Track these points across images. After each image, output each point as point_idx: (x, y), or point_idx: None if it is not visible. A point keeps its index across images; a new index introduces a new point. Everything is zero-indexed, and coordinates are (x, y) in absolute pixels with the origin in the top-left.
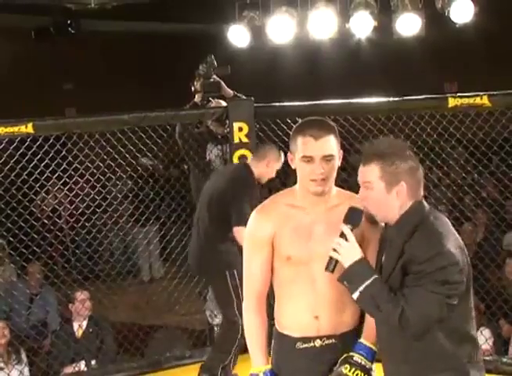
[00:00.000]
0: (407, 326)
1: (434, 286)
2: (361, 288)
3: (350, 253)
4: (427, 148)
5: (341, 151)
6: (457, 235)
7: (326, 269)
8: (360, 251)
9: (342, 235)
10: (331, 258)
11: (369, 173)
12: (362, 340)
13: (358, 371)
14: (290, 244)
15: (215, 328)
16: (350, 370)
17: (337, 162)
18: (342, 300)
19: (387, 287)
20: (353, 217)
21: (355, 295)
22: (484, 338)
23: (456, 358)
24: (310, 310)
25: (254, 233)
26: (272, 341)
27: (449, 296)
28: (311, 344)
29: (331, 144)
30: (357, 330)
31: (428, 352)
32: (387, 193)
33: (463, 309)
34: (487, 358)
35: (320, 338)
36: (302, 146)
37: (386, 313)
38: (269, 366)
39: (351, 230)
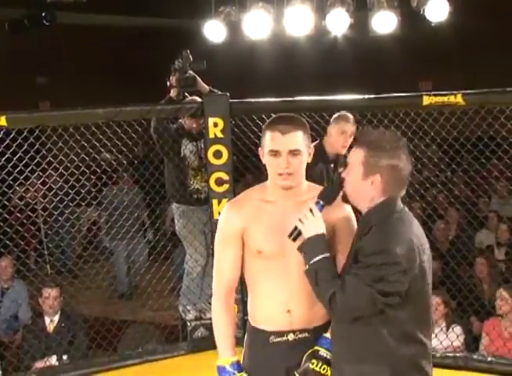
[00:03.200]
0: (334, 309)
1: (370, 280)
2: (310, 261)
3: (312, 226)
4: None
5: (312, 148)
6: (420, 237)
7: (289, 236)
8: (323, 227)
9: (311, 209)
10: (295, 227)
11: (354, 156)
12: (326, 334)
13: (325, 365)
14: (261, 238)
15: (188, 323)
16: (317, 366)
17: (306, 157)
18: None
19: (333, 267)
20: (327, 193)
21: (305, 267)
22: (455, 335)
23: (397, 356)
24: (283, 304)
25: (224, 227)
26: (245, 335)
27: (385, 294)
28: (285, 338)
29: (298, 139)
30: (328, 324)
31: (370, 343)
32: (362, 180)
33: (411, 311)
34: (458, 354)
35: (293, 331)
36: (270, 140)
37: (321, 291)
38: (236, 358)
39: (323, 206)
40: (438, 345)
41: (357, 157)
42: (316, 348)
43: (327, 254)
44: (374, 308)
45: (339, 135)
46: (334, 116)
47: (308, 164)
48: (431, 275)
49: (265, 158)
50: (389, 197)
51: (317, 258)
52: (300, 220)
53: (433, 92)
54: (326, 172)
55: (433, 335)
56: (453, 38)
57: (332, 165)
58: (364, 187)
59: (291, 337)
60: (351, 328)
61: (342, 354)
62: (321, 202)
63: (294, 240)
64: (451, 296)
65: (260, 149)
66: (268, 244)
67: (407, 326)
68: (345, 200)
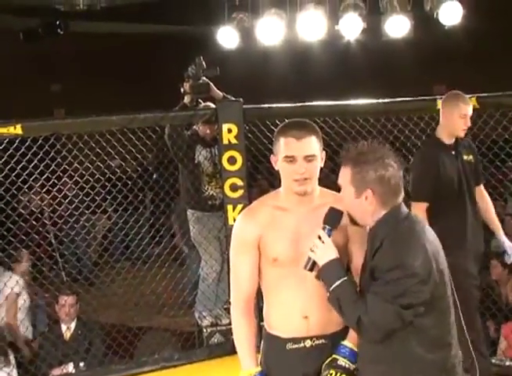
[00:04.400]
0: (363, 331)
1: (391, 296)
2: (330, 289)
3: (324, 253)
4: (416, 150)
5: (324, 152)
6: (433, 241)
7: (305, 267)
8: (334, 253)
9: (319, 236)
10: (309, 257)
11: (342, 177)
12: (344, 342)
13: (344, 375)
14: (276, 245)
15: (204, 330)
16: None
17: (320, 162)
18: None
19: (353, 289)
20: (332, 218)
21: (327, 295)
22: None
23: (428, 363)
24: (299, 310)
25: (240, 236)
26: (262, 342)
27: (408, 307)
28: (302, 344)
29: (313, 144)
30: (346, 330)
31: (399, 355)
32: (356, 198)
33: (435, 316)
34: None
35: (310, 338)
36: (284, 146)
37: (346, 317)
38: (259, 369)
39: (331, 230)
40: None
41: (345, 177)
42: (334, 356)
43: (344, 278)
44: (402, 323)
45: (459, 118)
46: (449, 98)
47: (428, 155)
48: (449, 275)
49: (280, 164)
50: (391, 206)
51: (336, 284)
52: (311, 250)
53: None
54: (450, 161)
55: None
56: (467, 42)
57: (453, 152)
58: (360, 205)
59: (308, 343)
60: (379, 346)
61: (371, 368)
62: (327, 227)
63: (311, 270)
64: None
65: (272, 156)
66: (283, 251)
67: (434, 331)
68: (354, 222)
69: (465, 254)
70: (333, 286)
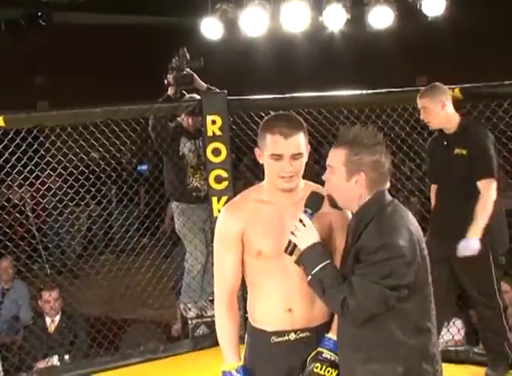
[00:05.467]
0: (347, 314)
1: (378, 277)
2: (312, 272)
3: (306, 237)
4: (399, 141)
5: (309, 146)
6: (416, 227)
7: (285, 250)
8: (316, 236)
9: (300, 220)
10: (290, 241)
11: (335, 157)
12: (328, 334)
13: (329, 368)
14: (260, 238)
15: (189, 322)
16: (321, 369)
17: (306, 158)
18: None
19: (336, 273)
20: (313, 201)
21: (308, 278)
22: (456, 329)
23: (408, 349)
24: (283, 303)
25: (224, 230)
26: (246, 336)
27: (394, 288)
28: (286, 337)
29: (300, 142)
30: (330, 323)
31: (380, 340)
32: (347, 180)
33: (417, 301)
34: (459, 348)
35: (295, 331)
36: (271, 144)
37: (329, 298)
38: (241, 363)
39: (312, 214)
40: (439, 339)
41: (338, 158)
42: (319, 349)
43: (328, 261)
44: (386, 304)
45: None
46: None
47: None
48: (429, 264)
49: (265, 160)
50: (377, 191)
51: (318, 267)
52: (292, 233)
53: None
54: (440, 151)
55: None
56: (450, 33)
57: (445, 143)
58: (349, 187)
59: (293, 336)
60: (360, 329)
61: (353, 355)
62: (309, 211)
63: (291, 254)
64: None
65: (257, 149)
66: (267, 244)
67: (415, 316)
68: (333, 204)
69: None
70: (316, 269)
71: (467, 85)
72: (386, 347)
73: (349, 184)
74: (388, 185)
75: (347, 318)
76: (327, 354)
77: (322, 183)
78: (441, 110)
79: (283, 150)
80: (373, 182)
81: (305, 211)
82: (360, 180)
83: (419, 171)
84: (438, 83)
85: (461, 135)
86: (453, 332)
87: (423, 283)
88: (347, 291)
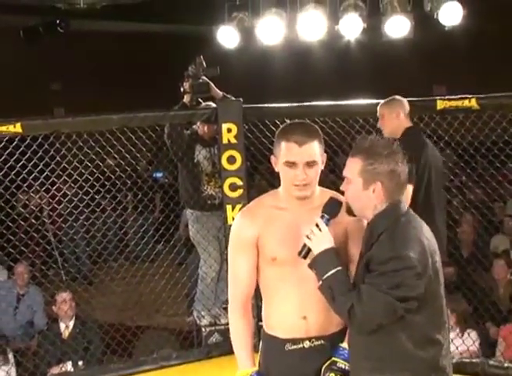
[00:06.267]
0: (354, 321)
1: (386, 287)
2: (323, 277)
3: (320, 241)
4: None
5: (325, 155)
6: (430, 239)
7: (299, 254)
8: (331, 242)
9: (317, 224)
10: (304, 244)
11: (351, 168)
12: (343, 344)
13: None
14: (275, 245)
15: (203, 329)
16: None
17: (321, 166)
18: None
19: (347, 280)
20: (331, 207)
21: (319, 284)
22: (471, 341)
23: (418, 360)
24: (298, 311)
25: (238, 236)
26: (260, 343)
27: (402, 299)
28: (300, 345)
29: (315, 150)
30: (345, 331)
31: (389, 351)
32: (363, 190)
33: (428, 313)
34: (474, 360)
35: (309, 339)
36: (286, 151)
37: (338, 305)
38: (256, 369)
39: (329, 220)
40: (454, 350)
41: (354, 168)
42: (334, 359)
43: (339, 268)
44: (394, 315)
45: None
46: None
47: None
48: (443, 276)
49: (280, 167)
50: (392, 201)
51: (330, 273)
52: (307, 237)
53: (447, 97)
54: None
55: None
56: (467, 42)
57: None
58: (366, 197)
59: (307, 344)
60: (370, 338)
61: (362, 364)
62: (326, 216)
63: (305, 257)
64: (467, 301)
65: (273, 157)
66: (282, 250)
67: (425, 328)
68: (350, 213)
69: None
70: (327, 274)
71: (484, 95)
72: (396, 358)
73: (366, 193)
74: (403, 194)
75: (354, 326)
76: (341, 364)
77: (338, 192)
78: (394, 119)
79: (296, 158)
80: (389, 191)
81: (322, 217)
82: (377, 190)
83: None
84: (397, 96)
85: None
86: (468, 344)
87: (434, 295)
88: (356, 299)
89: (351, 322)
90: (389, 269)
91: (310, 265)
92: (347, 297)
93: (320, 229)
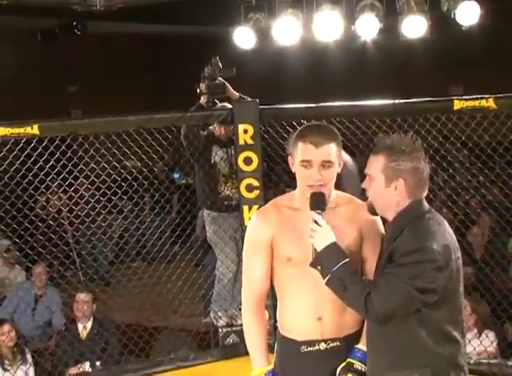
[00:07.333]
0: (371, 309)
1: (406, 277)
2: (333, 269)
3: (322, 237)
4: (432, 151)
5: (342, 157)
6: (453, 236)
7: (313, 255)
8: (332, 235)
9: (315, 222)
10: (312, 245)
11: (374, 165)
12: (358, 345)
13: None
14: (290, 245)
15: (220, 330)
16: None
17: (337, 169)
18: None
19: (356, 271)
20: (318, 202)
21: (326, 279)
22: (489, 341)
23: (437, 356)
24: (313, 312)
25: (253, 237)
26: (276, 344)
27: (421, 290)
28: (316, 347)
29: (331, 151)
30: (360, 333)
31: (409, 346)
32: (386, 187)
33: (447, 310)
34: (492, 361)
35: (325, 341)
36: (302, 151)
37: (352, 296)
38: (271, 367)
39: (321, 214)
40: (472, 351)
41: (376, 165)
42: (350, 360)
43: (347, 260)
44: (411, 306)
45: None
46: None
47: None
48: (462, 276)
49: (296, 168)
50: (415, 198)
51: (338, 266)
52: (310, 236)
53: (464, 97)
54: None
55: (466, 341)
56: (484, 42)
57: None
58: (389, 194)
59: (322, 346)
60: (389, 334)
61: (381, 361)
62: (319, 211)
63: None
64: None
65: (290, 158)
66: (297, 251)
67: (445, 325)
68: (372, 212)
69: None
70: (336, 267)
71: (501, 95)
72: (415, 354)
73: (388, 190)
74: (426, 193)
75: (371, 314)
76: (358, 365)
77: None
78: None
79: (312, 156)
80: (412, 188)
81: (318, 213)
82: (399, 187)
83: (452, 181)
84: None
85: None
86: (486, 344)
87: (454, 292)
88: (373, 287)
89: (367, 310)
90: (411, 260)
91: (312, 264)
92: (361, 286)
93: (320, 225)
